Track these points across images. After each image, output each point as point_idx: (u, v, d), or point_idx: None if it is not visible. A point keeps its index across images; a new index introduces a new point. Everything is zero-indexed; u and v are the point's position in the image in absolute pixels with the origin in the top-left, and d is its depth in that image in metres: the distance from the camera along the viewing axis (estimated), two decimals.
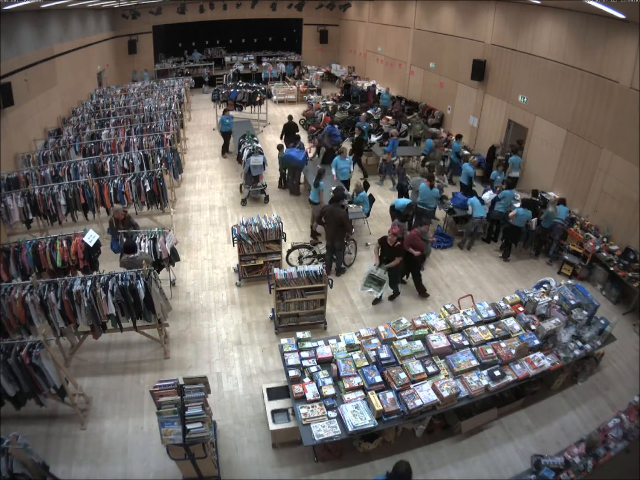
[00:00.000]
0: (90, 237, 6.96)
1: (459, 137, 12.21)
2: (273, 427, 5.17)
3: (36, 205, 8.70)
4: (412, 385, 5.24)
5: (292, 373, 5.40)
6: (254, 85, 17.79)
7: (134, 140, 11.39)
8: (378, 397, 5.08)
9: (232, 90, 16.54)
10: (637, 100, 7.78)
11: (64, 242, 6.94)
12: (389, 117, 15.62)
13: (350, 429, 4.82)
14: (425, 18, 15.88)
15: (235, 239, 7.78)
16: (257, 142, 11.54)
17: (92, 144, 11.26)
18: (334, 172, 10.70)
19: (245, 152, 11.00)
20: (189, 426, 4.41)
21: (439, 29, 14.93)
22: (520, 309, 6.44)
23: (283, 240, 8.09)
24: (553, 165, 10.24)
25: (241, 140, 11.99)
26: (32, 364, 4.95)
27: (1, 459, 4.00)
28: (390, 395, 5.14)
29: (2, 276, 6.76)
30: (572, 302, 6.39)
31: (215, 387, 6.04)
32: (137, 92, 17.15)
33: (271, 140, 15.07)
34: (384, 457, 5.31)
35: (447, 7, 14.29)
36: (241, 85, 17.57)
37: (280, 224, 7.94)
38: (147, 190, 9.12)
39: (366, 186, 10.30)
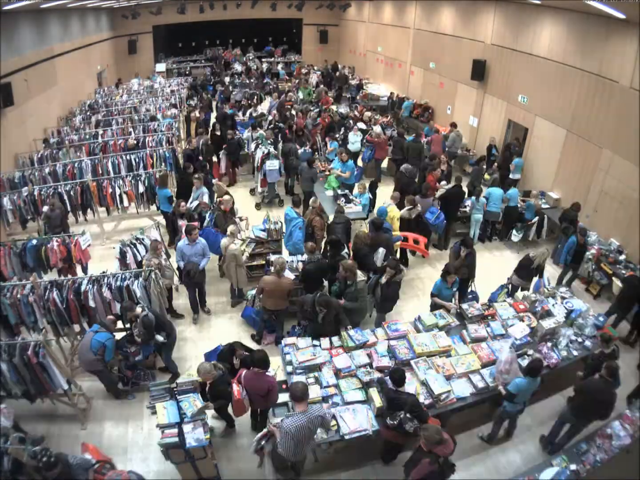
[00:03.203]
0: (85, 240, 7.15)
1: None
2: None
3: (35, 206, 8.71)
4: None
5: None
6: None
7: (134, 139, 11.39)
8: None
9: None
10: (637, 100, 7.78)
11: (55, 243, 7.02)
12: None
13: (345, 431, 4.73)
14: (425, 18, 15.87)
15: None
16: (271, 144, 10.87)
17: (93, 144, 11.24)
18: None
19: (258, 153, 10.44)
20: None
21: (439, 29, 14.92)
22: (521, 306, 6.44)
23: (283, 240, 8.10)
24: (553, 165, 10.24)
25: (255, 140, 11.11)
26: (39, 363, 4.94)
27: (3, 458, 4.00)
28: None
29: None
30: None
31: None
32: (136, 93, 17.14)
33: None
34: None
35: (447, 7, 14.29)
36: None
37: (281, 223, 7.97)
38: (148, 190, 9.16)
39: (373, 187, 10.23)
